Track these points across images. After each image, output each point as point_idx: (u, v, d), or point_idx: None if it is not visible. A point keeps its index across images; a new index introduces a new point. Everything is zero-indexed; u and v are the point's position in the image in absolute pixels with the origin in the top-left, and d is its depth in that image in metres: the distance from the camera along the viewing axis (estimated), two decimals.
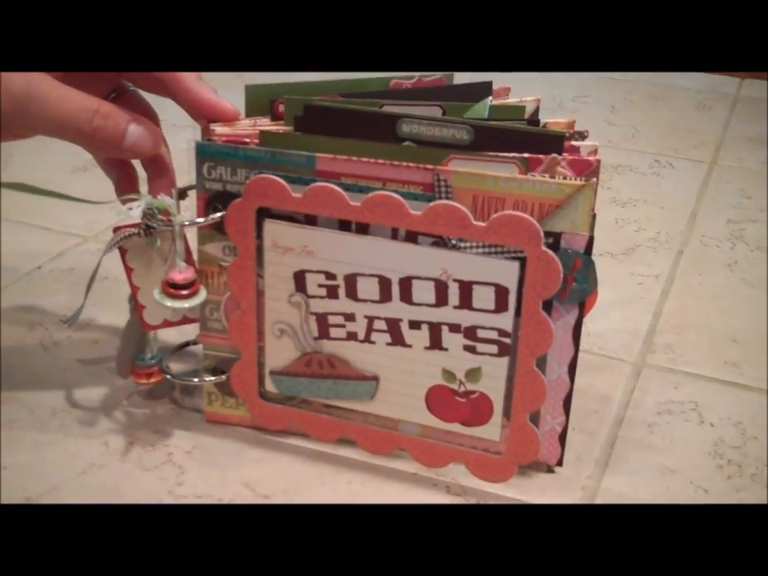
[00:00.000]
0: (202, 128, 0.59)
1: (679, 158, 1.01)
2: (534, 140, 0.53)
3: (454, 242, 0.52)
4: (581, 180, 0.51)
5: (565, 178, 0.51)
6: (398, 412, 0.56)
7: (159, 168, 0.59)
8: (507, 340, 0.53)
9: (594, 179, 0.51)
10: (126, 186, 0.60)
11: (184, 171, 0.56)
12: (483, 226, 0.51)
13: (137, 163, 0.60)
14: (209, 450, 0.58)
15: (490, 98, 0.57)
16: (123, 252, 0.57)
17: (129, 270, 0.58)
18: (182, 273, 0.55)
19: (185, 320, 0.59)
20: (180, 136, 0.56)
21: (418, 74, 0.59)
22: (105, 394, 0.62)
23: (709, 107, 1.16)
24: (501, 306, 0.52)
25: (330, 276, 0.54)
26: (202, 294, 0.55)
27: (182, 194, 0.57)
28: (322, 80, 0.58)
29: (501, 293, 0.52)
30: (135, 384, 0.61)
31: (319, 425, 0.58)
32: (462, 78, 0.59)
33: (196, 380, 0.60)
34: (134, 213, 0.55)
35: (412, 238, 0.53)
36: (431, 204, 0.51)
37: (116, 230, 0.56)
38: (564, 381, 0.54)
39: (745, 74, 1.26)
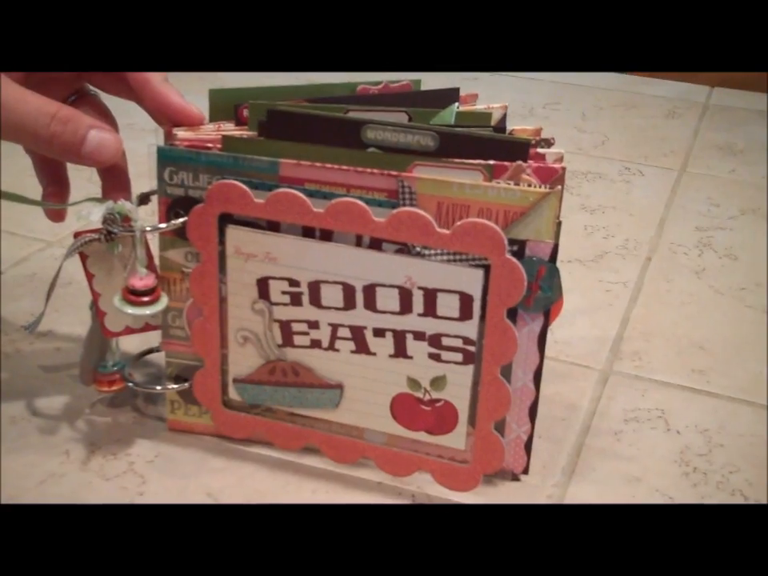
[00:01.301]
0: (164, 132, 0.59)
1: (649, 166, 1.01)
2: (499, 147, 0.53)
3: (418, 249, 0.51)
4: (546, 188, 0.50)
5: (530, 186, 0.51)
6: (363, 420, 0.56)
7: (115, 172, 0.58)
8: (472, 348, 0.52)
9: (559, 187, 0.51)
10: (55, 194, 0.60)
11: (146, 176, 0.55)
12: (447, 233, 0.50)
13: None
14: (171, 459, 0.57)
15: (457, 104, 0.57)
16: (84, 258, 0.56)
17: (90, 276, 0.57)
18: (142, 279, 0.54)
19: (147, 327, 0.59)
20: (142, 140, 0.55)
21: (384, 79, 0.59)
22: (66, 402, 0.61)
23: (679, 115, 1.17)
24: (465, 313, 0.52)
25: (293, 283, 0.53)
26: (164, 301, 0.55)
27: (144, 199, 0.56)
28: (288, 84, 0.57)
29: (465, 300, 0.51)
30: (97, 392, 0.60)
31: (283, 433, 0.57)
32: (433, 79, 0.58)
33: (158, 388, 0.59)
34: (93, 218, 0.54)
35: (376, 245, 0.52)
36: (395, 211, 0.50)
37: (77, 235, 0.56)
38: (529, 389, 0.54)
39: (715, 81, 1.26)
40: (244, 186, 0.52)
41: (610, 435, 0.59)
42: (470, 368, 0.53)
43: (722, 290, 0.77)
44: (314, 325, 0.54)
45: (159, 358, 0.63)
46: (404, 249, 0.52)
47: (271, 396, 0.56)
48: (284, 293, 0.54)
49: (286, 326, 0.55)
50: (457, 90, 0.58)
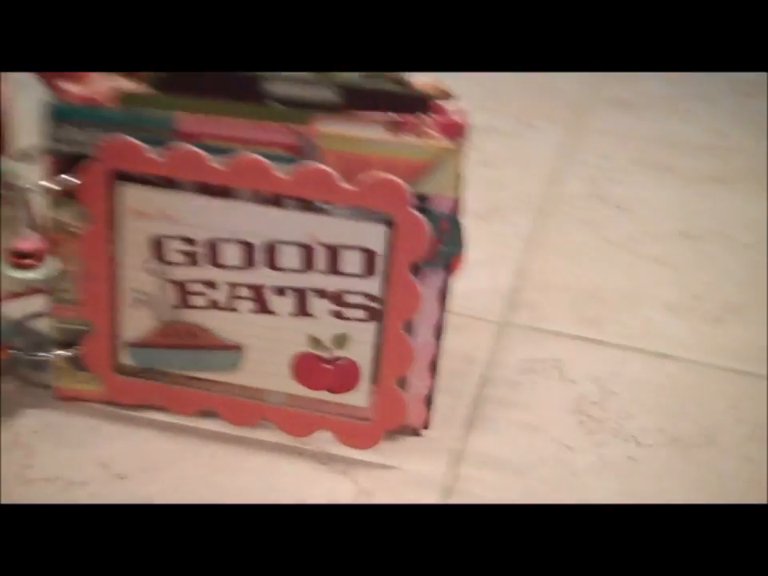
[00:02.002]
0: (48, 84, 0.56)
1: (542, 119, 1.03)
2: (401, 101, 0.52)
3: (320, 205, 0.51)
4: (448, 142, 0.51)
5: (432, 140, 0.51)
6: (263, 381, 0.55)
7: None
8: (375, 304, 0.52)
9: (462, 141, 0.51)
10: None
11: (29, 131, 0.53)
12: (351, 188, 0.50)
13: None
14: (60, 428, 0.55)
15: None
16: None
17: None
18: (27, 241, 0.51)
19: (31, 291, 0.56)
20: (25, 93, 0.53)
21: None
22: None
23: None
24: (368, 270, 0.51)
25: (189, 242, 0.52)
26: (52, 264, 0.52)
27: (26, 156, 0.54)
28: None
29: (368, 257, 0.51)
30: None
31: (178, 397, 0.55)
32: None
33: (44, 354, 0.57)
34: None
35: (276, 201, 0.51)
36: (298, 166, 0.50)
37: None
38: (430, 344, 0.54)
39: None
40: (137, 142, 0.50)
41: (507, 386, 0.60)
42: (373, 325, 0.52)
43: (615, 241, 0.79)
44: (210, 284, 0.53)
45: (43, 323, 0.60)
46: (306, 205, 0.51)
47: (166, 359, 0.55)
48: (179, 252, 0.52)
49: (181, 287, 0.53)
50: None
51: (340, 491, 0.52)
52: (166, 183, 0.51)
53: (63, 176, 0.51)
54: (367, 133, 0.51)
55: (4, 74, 0.56)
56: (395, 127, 0.51)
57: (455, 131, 0.52)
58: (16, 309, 0.58)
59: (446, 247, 0.52)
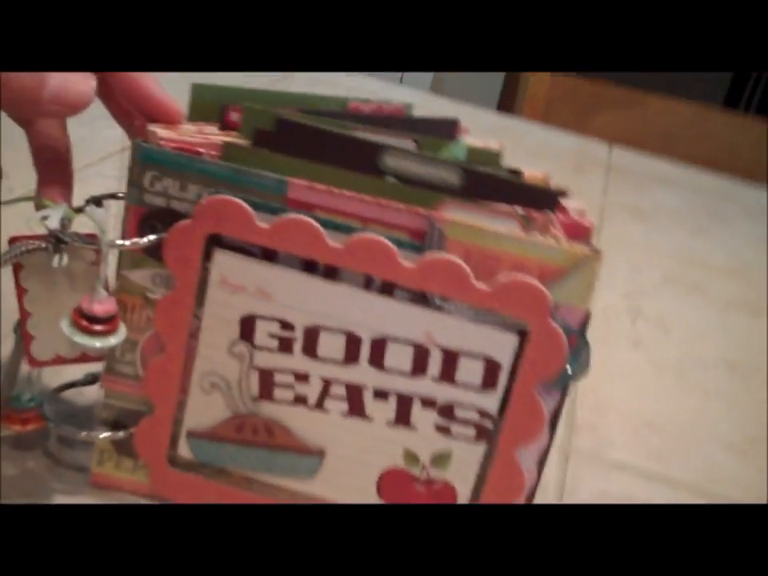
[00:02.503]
0: (128, 128, 0.49)
1: None
2: (527, 194, 0.46)
3: (440, 302, 0.44)
4: (585, 247, 0.44)
5: (557, 241, 0.45)
6: (340, 494, 0.47)
7: (56, 164, 0.48)
8: (489, 424, 0.45)
9: (600, 248, 0.45)
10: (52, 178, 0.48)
11: (95, 174, 0.46)
12: (485, 289, 0.43)
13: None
14: None
15: (465, 139, 0.50)
16: (18, 269, 0.46)
17: (21, 291, 0.46)
18: (102, 303, 0.44)
19: (83, 357, 0.48)
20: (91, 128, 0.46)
21: (368, 96, 0.52)
22: None
23: (586, 171, 1.15)
24: (488, 383, 0.45)
25: (286, 326, 0.45)
26: (122, 332, 0.45)
27: (94, 203, 0.47)
28: (276, 90, 0.49)
29: (491, 368, 0.44)
30: (3, 429, 0.49)
31: (238, 501, 0.48)
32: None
33: (87, 433, 0.49)
34: (50, 223, 0.44)
35: (390, 291, 0.45)
36: (428, 257, 0.43)
37: (14, 240, 0.45)
38: (532, 473, 0.47)
39: (611, 137, 1.25)
40: (246, 206, 0.43)
41: None
42: (482, 446, 0.45)
43: (662, 365, 0.74)
44: (302, 377, 0.46)
45: (74, 393, 0.52)
46: (424, 300, 0.44)
47: (233, 456, 0.47)
48: (272, 336, 0.45)
49: (267, 376, 0.46)
50: (456, 121, 0.51)
51: None
52: (268, 256, 0.44)
53: (149, 232, 0.44)
54: (498, 226, 0.44)
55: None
56: (528, 223, 0.45)
57: (581, 234, 0.46)
58: (55, 374, 0.50)
59: (571, 367, 0.45)
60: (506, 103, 1.91)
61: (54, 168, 0.48)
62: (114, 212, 0.47)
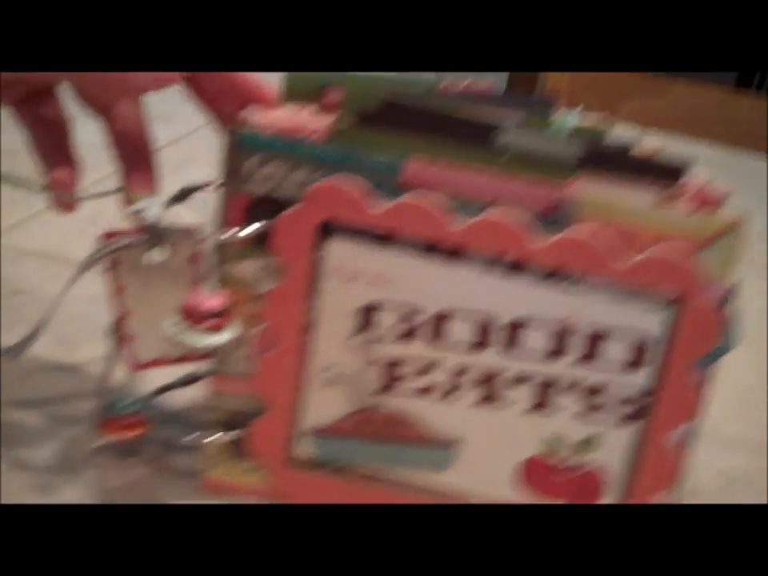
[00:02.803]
0: (218, 113, 0.45)
1: None
2: (654, 167, 0.41)
3: (579, 280, 0.40)
4: (730, 216, 0.40)
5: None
6: (474, 487, 0.44)
7: (141, 154, 0.44)
8: (636, 406, 0.41)
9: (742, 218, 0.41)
10: (65, 179, 0.45)
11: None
12: (626, 266, 0.39)
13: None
14: None
15: (571, 114, 0.45)
16: (114, 265, 0.42)
17: (120, 289, 0.43)
18: (212, 298, 0.40)
19: (187, 357, 0.45)
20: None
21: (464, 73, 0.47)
22: (58, 450, 0.47)
23: None
24: (636, 362, 0.41)
25: (412, 313, 0.41)
26: (235, 327, 0.41)
27: (185, 195, 0.43)
28: (362, 74, 0.44)
29: (638, 346, 0.40)
30: (104, 437, 0.46)
31: (366, 500, 0.45)
32: None
33: (198, 436, 0.45)
34: (148, 215, 0.40)
35: (517, 269, 0.41)
36: (560, 236, 0.39)
37: (108, 236, 0.41)
38: (681, 458, 0.44)
39: None
40: (361, 189, 0.39)
41: None
42: (630, 431, 0.42)
43: None
44: (429, 367, 0.42)
45: (170, 397, 0.49)
46: (561, 279, 0.40)
47: (358, 452, 0.44)
48: (394, 325, 0.41)
49: (390, 368, 0.42)
50: (550, 98, 0.46)
51: None
52: (385, 240, 0.40)
53: (251, 222, 0.41)
54: (633, 200, 0.40)
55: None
56: (663, 197, 0.41)
57: (712, 203, 0.42)
58: (156, 376, 0.47)
59: (721, 342, 0.41)
60: None
61: (138, 156, 0.44)
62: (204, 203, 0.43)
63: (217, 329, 0.40)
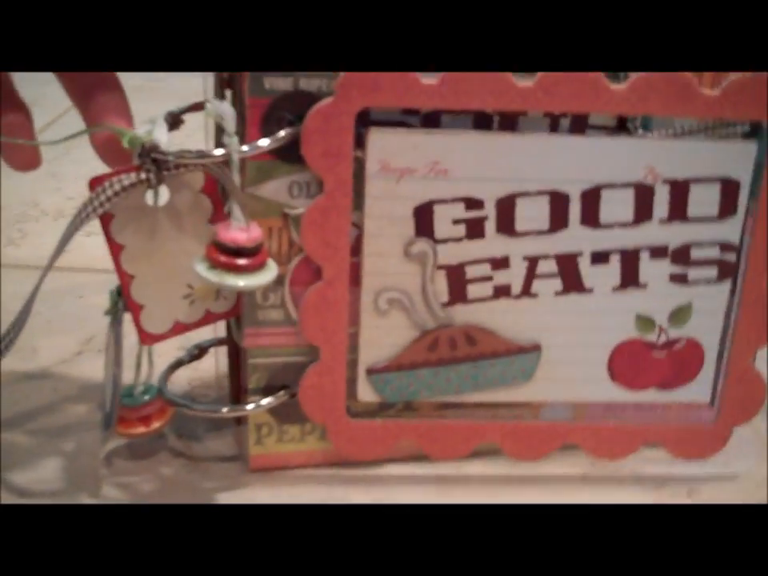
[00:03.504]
0: None
1: None
2: None
3: (640, 130, 0.36)
4: None
5: None
6: (563, 391, 0.39)
7: (108, 88, 0.36)
8: (732, 256, 0.37)
9: None
10: (17, 124, 0.37)
11: None
12: (714, 94, 0.35)
13: None
14: None
15: None
16: (107, 221, 0.34)
17: (117, 249, 0.34)
18: (244, 230, 0.33)
19: (206, 318, 0.37)
20: None
21: None
22: (64, 467, 0.38)
23: None
24: (727, 208, 0.36)
25: (473, 204, 0.35)
26: (272, 266, 0.34)
27: (176, 120, 0.35)
28: None
29: (729, 189, 0.36)
30: (124, 435, 0.37)
31: (444, 436, 0.38)
32: None
33: (236, 408, 0.38)
34: (159, 135, 0.32)
35: (579, 130, 0.36)
36: (642, 74, 0.34)
37: (97, 182, 0.33)
38: None
39: None
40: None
41: None
42: (726, 287, 0.38)
43: None
44: (500, 263, 0.36)
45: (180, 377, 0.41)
46: (641, 126, 0.35)
47: (428, 384, 0.38)
48: (457, 222, 0.35)
49: (455, 273, 0.36)
50: None
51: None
52: (434, 122, 0.34)
53: (275, 129, 0.34)
54: None
55: None
56: None
57: None
58: (167, 348, 0.38)
59: None
60: None
61: (105, 90, 0.36)
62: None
63: (258, 267, 0.33)
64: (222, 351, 0.41)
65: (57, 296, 0.34)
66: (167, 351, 0.39)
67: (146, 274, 0.35)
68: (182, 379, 0.42)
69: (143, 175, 0.33)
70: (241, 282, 0.33)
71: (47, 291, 0.35)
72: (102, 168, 0.35)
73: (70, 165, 0.64)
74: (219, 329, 0.40)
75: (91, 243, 0.35)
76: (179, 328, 0.36)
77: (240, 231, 0.33)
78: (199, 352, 0.40)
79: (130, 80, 0.37)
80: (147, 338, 0.36)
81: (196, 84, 0.36)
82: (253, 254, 0.33)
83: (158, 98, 0.50)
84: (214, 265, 0.33)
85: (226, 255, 0.33)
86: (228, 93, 0.35)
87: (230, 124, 0.32)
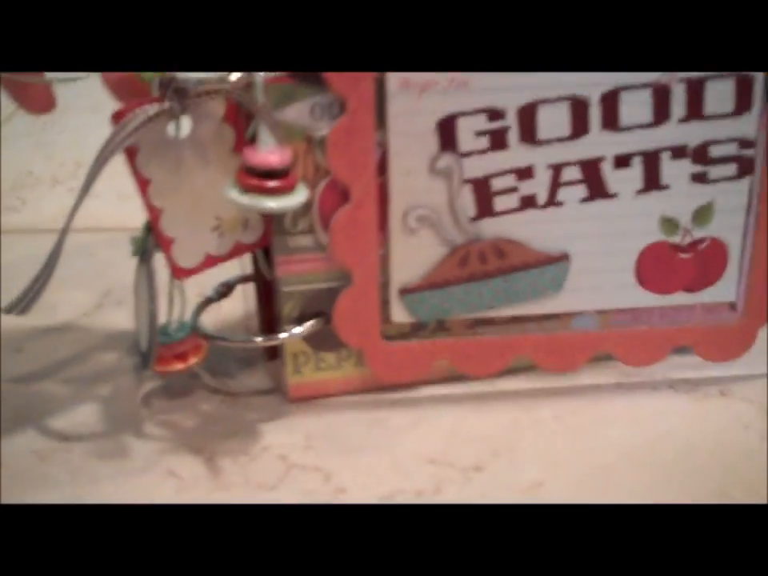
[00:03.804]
0: None
1: None
2: None
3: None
4: None
5: None
6: (593, 300, 0.39)
7: None
8: (751, 152, 0.38)
9: None
10: None
11: None
12: None
13: None
14: (334, 435, 0.37)
15: None
16: (132, 155, 0.34)
17: (144, 183, 0.34)
18: (274, 152, 0.33)
19: (236, 250, 0.37)
20: None
21: None
22: (104, 405, 0.38)
23: None
24: (742, 103, 0.37)
25: (495, 115, 0.35)
26: (302, 189, 0.34)
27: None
28: None
29: (743, 85, 0.36)
30: (164, 372, 0.37)
31: (478, 353, 0.39)
32: None
33: (283, 335, 0.38)
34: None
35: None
36: None
37: (120, 116, 0.33)
38: None
39: None
40: None
41: None
42: (746, 181, 0.38)
43: None
44: (525, 173, 0.36)
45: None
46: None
47: (462, 300, 0.38)
48: (480, 133, 0.36)
49: (481, 186, 0.36)
50: None
51: (737, 416, 0.38)
52: None
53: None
54: None
55: None
56: None
57: None
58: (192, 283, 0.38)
59: None
60: None
61: None
62: None
63: (288, 188, 0.33)
64: (248, 289, 0.41)
65: (67, 256, 0.34)
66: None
67: (175, 206, 0.35)
68: (210, 318, 0.42)
69: (165, 105, 0.33)
70: (273, 203, 0.33)
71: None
72: (90, 135, 0.34)
73: (57, 135, 0.63)
74: (245, 265, 0.40)
75: (95, 204, 0.35)
76: (210, 261, 0.36)
77: (269, 153, 0.33)
78: (226, 289, 0.40)
79: None
80: (180, 272, 0.36)
81: None
82: (283, 175, 0.33)
83: None
84: (246, 189, 0.33)
85: (257, 178, 0.33)
86: None
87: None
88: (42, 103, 0.36)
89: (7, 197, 0.56)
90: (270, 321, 0.39)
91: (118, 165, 0.33)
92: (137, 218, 0.36)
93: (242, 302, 0.43)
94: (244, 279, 0.41)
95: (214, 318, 0.42)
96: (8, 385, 0.40)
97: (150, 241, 0.36)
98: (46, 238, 0.34)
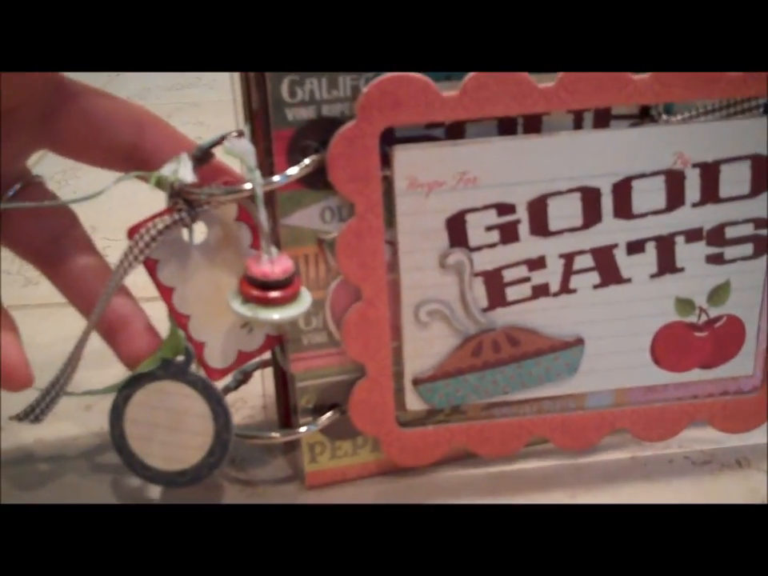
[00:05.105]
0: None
1: None
2: None
3: (685, 110, 0.35)
4: None
5: None
6: (608, 380, 0.39)
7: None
8: (765, 231, 0.37)
9: None
10: None
11: None
12: (737, 73, 0.34)
13: None
14: None
15: None
16: (152, 266, 0.34)
17: (167, 293, 0.34)
18: (275, 262, 0.33)
19: (267, 344, 0.37)
20: None
21: None
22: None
23: None
24: (758, 184, 0.36)
25: (504, 209, 0.35)
26: (306, 296, 0.34)
27: (205, 155, 0.35)
28: None
29: (758, 165, 0.36)
30: None
31: (494, 436, 0.39)
32: None
33: (301, 429, 0.38)
34: (183, 175, 0.32)
35: (603, 124, 0.35)
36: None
37: (133, 230, 0.33)
38: None
39: None
40: (425, 78, 0.33)
41: None
42: (763, 260, 0.37)
43: None
44: (537, 263, 0.36)
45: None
46: (644, 120, 0.35)
47: (476, 387, 0.38)
48: (490, 228, 0.35)
49: (493, 278, 0.36)
50: None
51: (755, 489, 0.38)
52: (454, 135, 0.34)
53: (300, 158, 0.33)
54: None
55: None
56: None
57: None
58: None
59: None
60: None
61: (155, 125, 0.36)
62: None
63: (290, 298, 0.33)
64: (266, 373, 0.41)
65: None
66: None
67: (201, 311, 0.35)
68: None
69: (177, 215, 0.33)
70: (275, 315, 0.33)
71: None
72: (101, 200, 0.34)
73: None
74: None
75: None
76: (243, 357, 0.37)
77: (269, 264, 0.33)
78: (244, 377, 0.40)
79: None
80: (214, 374, 0.36)
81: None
82: (284, 285, 0.33)
83: None
84: (247, 299, 0.33)
85: (257, 289, 0.33)
86: (246, 128, 0.35)
87: (251, 159, 0.32)
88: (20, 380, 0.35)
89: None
90: (287, 409, 0.39)
91: None
92: None
93: (260, 384, 0.43)
94: (262, 365, 0.41)
95: (233, 397, 0.42)
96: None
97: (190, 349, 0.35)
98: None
